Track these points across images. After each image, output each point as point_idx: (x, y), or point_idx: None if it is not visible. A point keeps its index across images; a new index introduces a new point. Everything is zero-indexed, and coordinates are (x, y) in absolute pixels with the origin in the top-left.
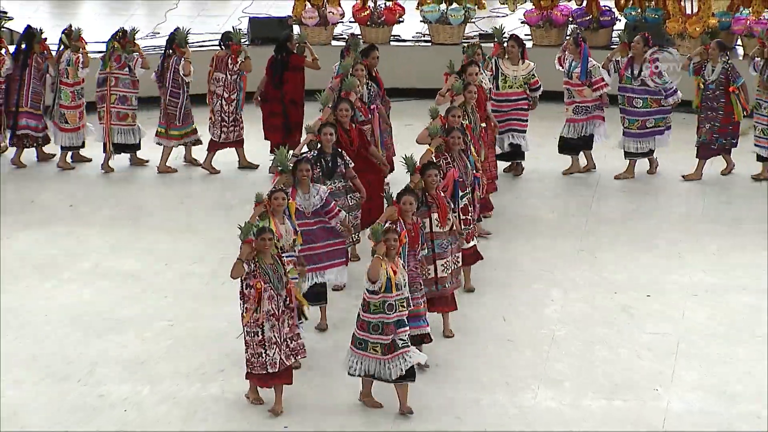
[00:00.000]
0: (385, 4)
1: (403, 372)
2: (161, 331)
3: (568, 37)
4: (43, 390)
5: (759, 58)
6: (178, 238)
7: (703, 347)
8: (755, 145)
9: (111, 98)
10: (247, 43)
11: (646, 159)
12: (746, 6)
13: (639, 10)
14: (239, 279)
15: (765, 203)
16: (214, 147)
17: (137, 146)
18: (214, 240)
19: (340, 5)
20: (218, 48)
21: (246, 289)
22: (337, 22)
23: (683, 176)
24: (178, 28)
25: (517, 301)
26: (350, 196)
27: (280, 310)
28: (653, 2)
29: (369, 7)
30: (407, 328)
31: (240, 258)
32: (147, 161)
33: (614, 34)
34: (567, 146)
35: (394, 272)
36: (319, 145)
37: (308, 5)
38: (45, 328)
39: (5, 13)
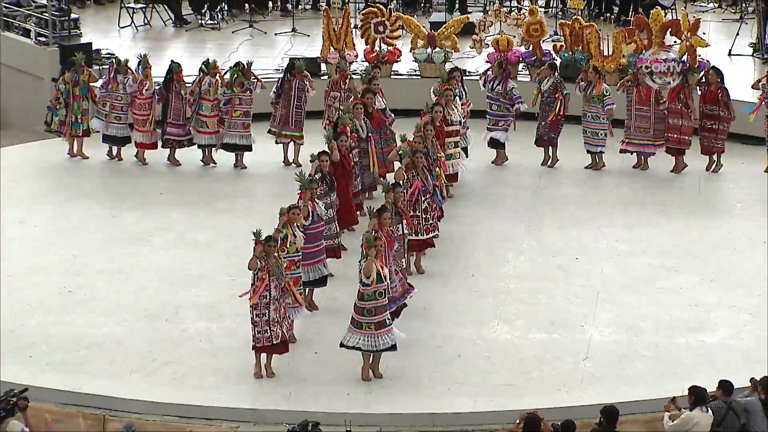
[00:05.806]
0: (387, 48)
1: (389, 345)
2: (225, 284)
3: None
4: (141, 326)
5: (583, 82)
6: (239, 217)
7: (616, 296)
8: (585, 143)
9: (235, 113)
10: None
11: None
12: (647, 49)
13: (570, 53)
14: (252, 271)
15: (662, 190)
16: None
17: (249, 147)
18: (265, 220)
19: (354, 48)
20: (283, 77)
21: (257, 280)
22: (352, 61)
23: (542, 164)
24: (293, 59)
25: (482, 261)
26: (329, 211)
27: (280, 296)
28: (580, 47)
29: (376, 50)
30: (389, 309)
31: (255, 255)
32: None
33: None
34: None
35: (382, 268)
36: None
37: (332, 49)
38: (141, 282)
39: (113, 54)
